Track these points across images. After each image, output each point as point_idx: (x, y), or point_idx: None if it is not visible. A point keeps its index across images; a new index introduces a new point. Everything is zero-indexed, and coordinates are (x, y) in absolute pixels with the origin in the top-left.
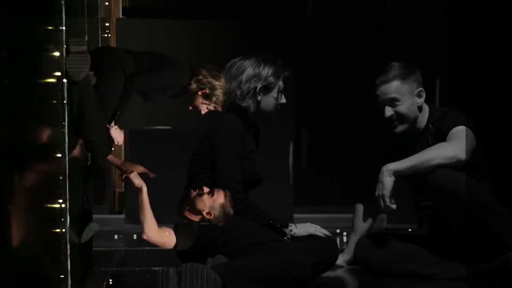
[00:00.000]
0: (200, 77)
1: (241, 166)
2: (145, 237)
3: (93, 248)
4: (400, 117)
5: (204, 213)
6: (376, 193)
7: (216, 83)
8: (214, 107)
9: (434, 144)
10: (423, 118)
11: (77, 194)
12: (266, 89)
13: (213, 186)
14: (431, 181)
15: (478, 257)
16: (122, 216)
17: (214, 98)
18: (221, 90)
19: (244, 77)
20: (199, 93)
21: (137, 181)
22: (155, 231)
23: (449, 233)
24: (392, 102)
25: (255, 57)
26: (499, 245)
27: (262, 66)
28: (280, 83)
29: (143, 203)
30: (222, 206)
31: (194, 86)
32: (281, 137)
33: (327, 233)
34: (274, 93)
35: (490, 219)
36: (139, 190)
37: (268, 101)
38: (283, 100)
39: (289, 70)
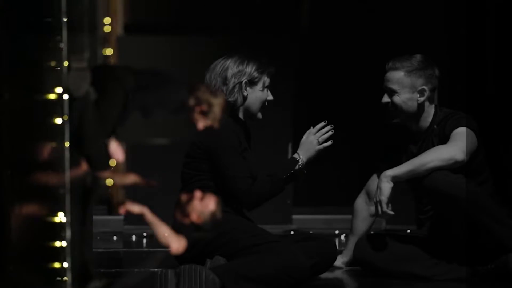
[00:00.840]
0: (198, 94)
1: (244, 159)
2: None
3: (93, 250)
4: (394, 108)
5: (194, 218)
6: (374, 199)
7: (214, 100)
8: (212, 123)
9: (438, 144)
10: (426, 118)
11: (78, 208)
12: (252, 83)
13: (214, 189)
14: (427, 184)
15: (477, 258)
16: (121, 217)
17: (212, 115)
18: (218, 107)
19: (229, 73)
20: (197, 109)
21: (137, 208)
22: (173, 241)
23: (448, 234)
24: (391, 91)
25: (238, 55)
26: (498, 246)
27: (245, 63)
28: (265, 78)
29: (152, 223)
30: (212, 212)
31: (192, 103)
32: (280, 137)
33: (330, 132)
34: (259, 87)
35: (488, 221)
36: (143, 215)
37: (255, 96)
38: (270, 97)
39: (274, 67)
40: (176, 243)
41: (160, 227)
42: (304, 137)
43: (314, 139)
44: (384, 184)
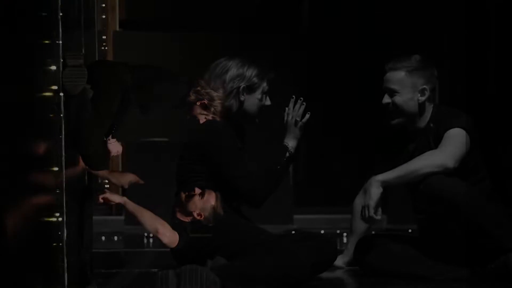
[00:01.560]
0: (199, 88)
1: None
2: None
3: (93, 250)
4: (395, 108)
5: (195, 214)
6: (362, 203)
7: (215, 94)
8: (213, 117)
9: (435, 143)
10: (425, 117)
11: (75, 208)
12: (250, 89)
13: (211, 188)
14: (424, 189)
15: (477, 258)
16: (122, 217)
17: (212, 109)
18: (219, 101)
19: (228, 76)
20: (198, 103)
21: (117, 198)
22: (160, 225)
23: (447, 234)
24: (392, 92)
25: (240, 58)
26: (498, 246)
27: (246, 67)
28: (264, 84)
29: (134, 211)
30: (213, 208)
31: (193, 97)
32: (281, 137)
33: (303, 105)
34: (258, 94)
35: (486, 222)
36: (123, 205)
37: (252, 101)
38: (268, 102)
39: (274, 72)
40: (163, 228)
41: (144, 215)
42: (285, 119)
43: (291, 120)
44: (373, 189)
